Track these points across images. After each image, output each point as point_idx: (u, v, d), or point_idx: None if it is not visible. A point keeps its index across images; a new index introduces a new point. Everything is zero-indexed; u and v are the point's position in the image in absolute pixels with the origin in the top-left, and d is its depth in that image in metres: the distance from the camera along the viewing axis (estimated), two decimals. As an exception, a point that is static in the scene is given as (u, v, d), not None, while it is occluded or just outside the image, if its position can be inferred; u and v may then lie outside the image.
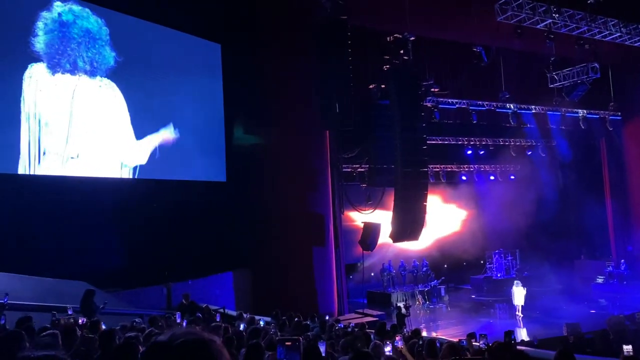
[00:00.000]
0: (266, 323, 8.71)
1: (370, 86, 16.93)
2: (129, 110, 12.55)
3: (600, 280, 21.47)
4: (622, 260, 21.62)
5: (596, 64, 17.75)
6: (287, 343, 1.80)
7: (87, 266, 10.91)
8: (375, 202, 18.28)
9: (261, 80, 15.29)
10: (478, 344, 6.48)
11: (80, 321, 7.03)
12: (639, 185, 22.76)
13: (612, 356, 9.58)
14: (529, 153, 24.13)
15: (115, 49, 12.33)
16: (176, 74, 13.83)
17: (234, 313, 10.96)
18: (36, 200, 10.52)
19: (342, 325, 10.18)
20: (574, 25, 16.47)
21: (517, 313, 17.16)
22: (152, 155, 13.20)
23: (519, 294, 17.22)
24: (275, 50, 15.26)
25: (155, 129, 13.34)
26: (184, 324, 7.97)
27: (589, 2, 16.40)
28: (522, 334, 15.24)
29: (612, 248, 23.61)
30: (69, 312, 7.75)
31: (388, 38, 16.45)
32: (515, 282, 17.89)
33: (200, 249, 13.58)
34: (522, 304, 17.21)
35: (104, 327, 6.21)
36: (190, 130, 14.25)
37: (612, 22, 17.03)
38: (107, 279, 11.11)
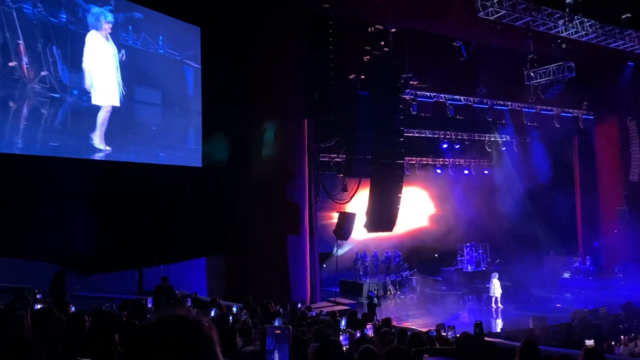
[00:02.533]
0: (239, 309, 8.71)
1: (350, 76, 16.93)
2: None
3: (567, 275, 22.02)
4: (588, 257, 22.22)
5: (572, 64, 18.07)
6: (276, 332, 1.80)
7: (57, 249, 10.71)
8: (351, 192, 18.37)
9: (240, 66, 15.15)
10: (446, 334, 6.61)
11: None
12: (607, 185, 23.36)
13: (576, 348, 9.89)
14: (504, 149, 24.51)
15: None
16: (155, 57, 13.61)
17: (207, 299, 10.95)
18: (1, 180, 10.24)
19: (314, 314, 10.26)
20: (552, 24, 16.71)
21: (493, 305, 17.61)
22: (128, 137, 13.00)
23: (497, 286, 17.65)
24: (255, 37, 15.13)
25: (131, 111, 13.13)
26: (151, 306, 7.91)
27: (567, 1, 16.68)
28: (499, 325, 15.65)
29: (580, 244, 24.21)
30: (38, 296, 7.62)
31: (369, 29, 16.45)
32: (493, 274, 18.30)
33: (174, 235, 13.47)
34: (499, 296, 17.65)
35: (73, 310, 6.14)
36: (168, 114, 14.07)
37: (589, 23, 17.33)
38: (77, 262, 10.94)
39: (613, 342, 12.42)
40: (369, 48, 16.21)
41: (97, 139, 12.14)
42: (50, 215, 10.65)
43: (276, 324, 6.69)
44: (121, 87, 12.57)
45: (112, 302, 8.76)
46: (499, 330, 14.74)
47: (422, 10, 16.40)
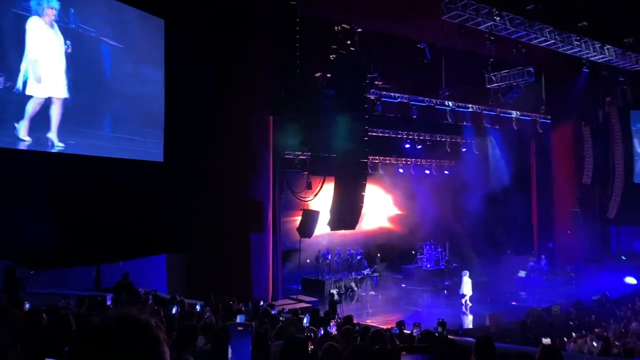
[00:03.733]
0: (202, 307, 8.61)
1: (317, 74, 16.94)
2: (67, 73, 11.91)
3: (522, 274, 22.66)
4: (543, 256, 22.94)
5: (531, 68, 18.60)
6: (239, 328, 1.79)
7: (8, 243, 10.31)
8: (316, 190, 18.39)
9: (205, 60, 14.94)
10: (410, 332, 6.70)
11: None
12: (562, 187, 24.17)
13: (529, 345, 10.20)
14: (464, 150, 25.05)
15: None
16: (117, 49, 13.24)
17: (167, 297, 10.77)
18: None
19: (276, 311, 10.23)
20: (513, 29, 17.16)
21: (463, 302, 18.01)
22: (86, 130, 12.61)
23: (467, 283, 18.05)
24: (221, 31, 14.95)
25: (91, 103, 12.74)
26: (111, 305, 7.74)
27: (527, 8, 17.16)
28: (469, 322, 16.05)
29: (535, 244, 24.99)
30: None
31: (336, 27, 16.50)
32: (464, 272, 18.70)
33: (134, 231, 13.15)
34: (471, 293, 18.05)
35: (27, 307, 5.93)
36: (128, 107, 13.72)
37: (548, 29, 17.88)
38: (31, 258, 10.57)
39: (566, 339, 12.86)
40: (335, 47, 16.26)
41: (50, 132, 11.70)
42: (1, 209, 10.25)
43: (238, 321, 6.64)
44: (67, 77, 12.03)
45: (67, 299, 8.52)
46: (471, 326, 15.11)
47: (387, 11, 16.55)
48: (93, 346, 1.16)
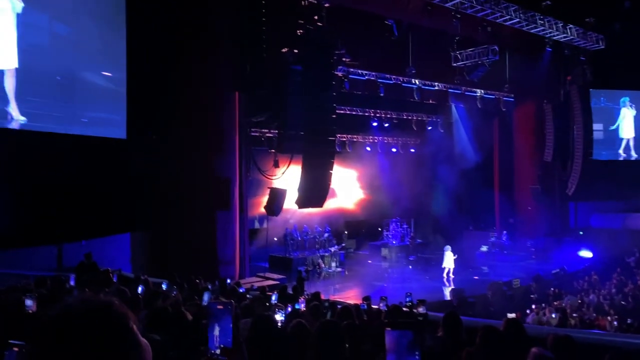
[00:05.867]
0: (169, 286, 8.50)
1: (283, 50, 16.69)
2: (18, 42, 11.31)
3: (484, 249, 23.26)
4: (505, 232, 23.58)
5: (496, 47, 18.80)
6: (218, 307, 1.75)
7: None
8: (283, 168, 18.31)
9: (170, 32, 14.49)
10: (378, 306, 6.79)
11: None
12: (522, 164, 24.77)
13: (491, 318, 10.51)
14: (429, 128, 25.30)
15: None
16: (76, 15, 12.67)
17: (131, 276, 10.60)
18: None
19: (244, 290, 10.21)
20: (479, 7, 17.27)
21: (444, 275, 18.54)
22: (45, 107, 12.13)
23: (449, 258, 18.45)
24: (186, 3, 14.53)
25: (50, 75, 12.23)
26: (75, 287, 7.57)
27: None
28: (448, 293, 16.54)
29: (497, 220, 25.65)
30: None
31: (303, 2, 16.23)
32: (446, 247, 19.09)
33: (96, 209, 12.82)
34: (452, 266, 18.51)
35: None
36: (89, 81, 13.24)
37: (513, 8, 18.06)
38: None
39: (528, 311, 13.30)
40: (302, 22, 16.02)
41: (8, 106, 11.21)
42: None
43: (205, 299, 6.59)
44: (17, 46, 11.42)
45: (27, 280, 8.29)
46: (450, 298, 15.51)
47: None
48: (56, 338, 1.07)
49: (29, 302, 3.93)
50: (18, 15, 11.33)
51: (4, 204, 10.27)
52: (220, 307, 1.75)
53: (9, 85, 11.19)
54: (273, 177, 18.43)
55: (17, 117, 11.29)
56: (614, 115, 25.09)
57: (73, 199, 12.00)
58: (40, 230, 11.62)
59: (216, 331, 1.69)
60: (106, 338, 1.09)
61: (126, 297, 5.82)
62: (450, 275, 18.66)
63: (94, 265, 10.27)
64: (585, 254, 21.92)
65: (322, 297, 9.83)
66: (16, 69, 11.26)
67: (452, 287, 17.64)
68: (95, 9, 13.38)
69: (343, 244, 22.08)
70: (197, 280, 10.57)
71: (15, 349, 1.65)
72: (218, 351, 1.67)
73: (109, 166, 13.23)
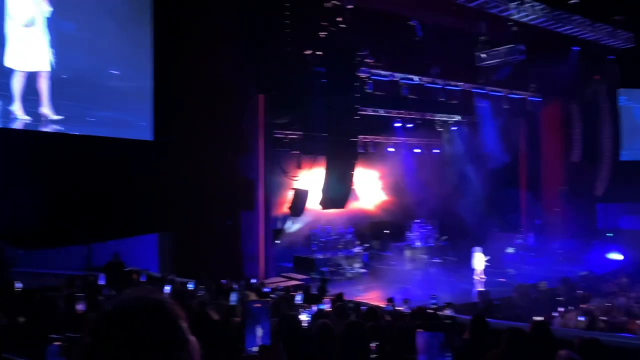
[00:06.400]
0: (195, 286, 8.64)
1: (307, 52, 16.77)
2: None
3: (510, 251, 22.92)
4: (531, 233, 23.23)
5: (522, 46, 18.55)
6: (255, 305, 1.79)
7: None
8: (306, 169, 18.40)
9: (196, 35, 14.69)
10: (401, 308, 6.79)
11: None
12: (550, 165, 24.38)
13: (517, 320, 10.39)
14: (454, 129, 25.07)
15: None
16: (101, 19, 12.95)
17: (159, 276, 10.79)
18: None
19: (269, 290, 10.31)
20: (504, 6, 17.05)
21: (474, 277, 18.26)
22: (76, 110, 12.43)
23: (479, 259, 18.31)
24: (211, 5, 14.73)
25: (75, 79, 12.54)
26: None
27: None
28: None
29: (523, 221, 25.28)
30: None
31: (325, 4, 16.28)
32: (476, 247, 18.90)
33: (125, 210, 13.11)
34: (482, 268, 18.34)
35: (19, 286, 5.91)
36: (117, 85, 13.53)
37: (540, 7, 17.80)
38: (21, 237, 10.51)
39: (555, 314, 13.09)
40: (326, 24, 16.06)
41: (42, 108, 11.53)
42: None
43: (233, 299, 6.69)
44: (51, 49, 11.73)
45: (58, 279, 8.49)
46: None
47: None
48: (110, 334, 1.11)
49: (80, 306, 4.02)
50: (47, 19, 11.66)
51: (35, 205, 10.57)
52: (257, 305, 1.79)
53: (43, 87, 11.51)
54: (296, 178, 18.54)
55: (52, 117, 11.58)
56: (634, 115, 24.51)
57: (102, 199, 12.29)
58: (70, 231, 11.92)
59: (258, 331, 1.73)
60: (159, 335, 1.12)
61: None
62: (482, 277, 18.41)
63: (120, 265, 10.49)
64: (615, 256, 21.45)
65: (345, 298, 9.85)
66: (49, 71, 11.59)
67: (479, 289, 17.42)
68: (121, 15, 13.66)
69: (366, 245, 22.03)
70: (223, 281, 10.70)
71: (57, 343, 1.72)
72: (255, 349, 1.70)
73: (137, 168, 13.50)
